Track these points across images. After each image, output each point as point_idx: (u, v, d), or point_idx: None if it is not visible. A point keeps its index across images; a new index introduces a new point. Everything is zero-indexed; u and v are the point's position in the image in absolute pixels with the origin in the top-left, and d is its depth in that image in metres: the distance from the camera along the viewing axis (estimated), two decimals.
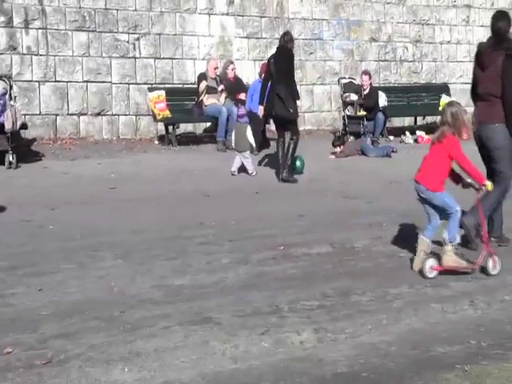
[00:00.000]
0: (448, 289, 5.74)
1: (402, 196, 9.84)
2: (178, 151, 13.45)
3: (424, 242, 6.21)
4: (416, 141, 15.89)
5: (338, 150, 13.61)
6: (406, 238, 7.31)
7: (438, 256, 6.15)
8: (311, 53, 16.78)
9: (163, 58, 14.94)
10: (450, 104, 6.78)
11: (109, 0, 14.25)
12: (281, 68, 11.03)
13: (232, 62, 14.64)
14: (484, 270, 6.09)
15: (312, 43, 16.69)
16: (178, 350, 4.46)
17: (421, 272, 6.03)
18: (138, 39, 14.58)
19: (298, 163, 11.66)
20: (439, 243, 6.31)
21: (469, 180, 6.31)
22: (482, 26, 19.37)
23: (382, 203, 9.31)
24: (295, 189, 10.37)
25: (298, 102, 11.41)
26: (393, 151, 13.86)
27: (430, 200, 6.24)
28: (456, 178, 6.38)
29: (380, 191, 10.24)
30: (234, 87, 14.14)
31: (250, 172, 11.35)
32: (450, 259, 6.08)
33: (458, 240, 6.26)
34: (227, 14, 15.72)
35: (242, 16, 15.91)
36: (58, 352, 4.40)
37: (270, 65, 11.35)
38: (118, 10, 14.33)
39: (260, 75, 13.33)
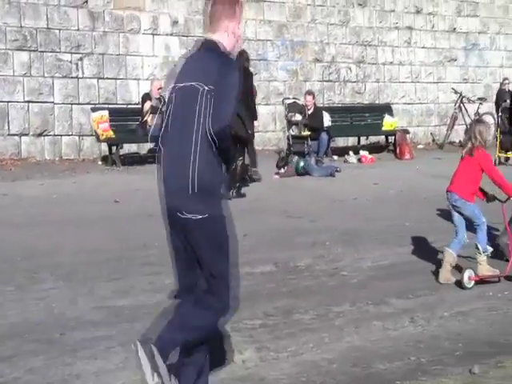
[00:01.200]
0: (389, 306, 5.81)
1: (345, 215, 9.98)
2: (121, 171, 13.35)
3: (449, 255, 6.45)
4: (359, 160, 16.08)
5: (282, 170, 13.70)
6: (348, 256, 7.40)
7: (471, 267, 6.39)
8: (256, 73, 16.82)
9: (107, 78, 14.85)
10: (479, 121, 7.06)
11: (51, 19, 14.12)
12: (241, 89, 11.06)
13: None
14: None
15: (256, 64, 16.76)
16: (119, 371, 4.42)
17: (459, 283, 6.27)
18: (81, 59, 14.46)
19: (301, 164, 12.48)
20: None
21: (493, 193, 6.58)
22: (423, 47, 19.79)
23: (325, 222, 9.37)
24: (240, 208, 10.33)
25: (255, 123, 11.45)
26: (337, 171, 13.99)
27: (461, 209, 6.47)
28: (481, 192, 6.60)
29: (323, 210, 10.31)
30: None
31: None
32: (485, 268, 6.39)
33: (490, 249, 6.54)
34: (171, 35, 15.72)
35: (187, 36, 15.92)
36: None
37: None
38: (60, 29, 14.20)
39: None
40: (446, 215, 9.92)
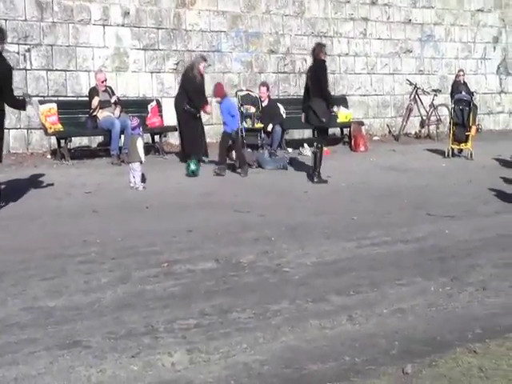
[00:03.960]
0: (328, 303, 5.69)
1: (294, 209, 9.88)
2: (70, 166, 13.08)
3: None
4: None
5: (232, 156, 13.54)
6: (293, 252, 7.28)
7: None
8: (209, 65, 16.63)
9: (56, 70, 14.53)
10: None
11: None
12: (314, 80, 12.16)
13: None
14: None
15: (210, 55, 16.56)
16: (41, 377, 4.23)
17: None
18: (28, 50, 14.12)
19: (192, 166, 12.19)
20: None
21: None
22: (378, 38, 19.75)
23: (273, 216, 9.25)
24: (187, 203, 10.20)
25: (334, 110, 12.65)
26: (289, 163, 13.88)
27: None
28: None
29: (272, 204, 10.20)
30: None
31: (136, 186, 11.10)
32: None
33: None
34: (123, 25, 15.44)
35: (139, 27, 15.66)
36: None
37: (307, 77, 12.59)
38: (6, 19, 13.83)
39: (215, 95, 13.38)
40: (395, 208, 9.91)
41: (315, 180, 12.27)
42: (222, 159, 12.74)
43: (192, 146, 13.45)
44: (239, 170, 12.84)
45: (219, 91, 13.03)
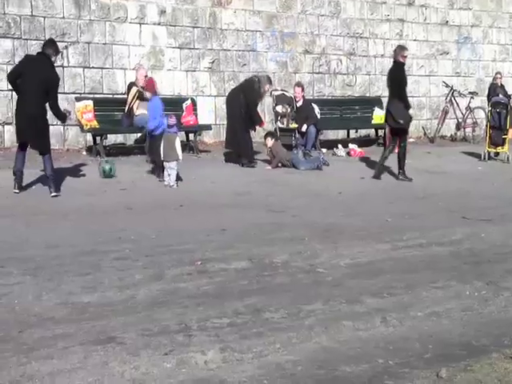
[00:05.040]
0: (362, 305, 5.65)
1: (328, 210, 9.84)
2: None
3: None
4: (348, 154, 15.92)
5: (268, 142, 13.52)
6: (326, 253, 7.25)
7: None
8: (244, 64, 16.69)
9: (92, 68, 14.66)
10: None
11: (35, 7, 13.91)
12: (392, 82, 12.55)
13: None
14: None
15: (245, 54, 16.60)
16: (75, 372, 4.25)
17: None
18: (66, 47, 14.25)
19: (106, 167, 11.88)
20: None
21: None
22: (415, 40, 19.61)
23: (306, 217, 9.22)
24: (220, 202, 10.22)
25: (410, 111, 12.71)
26: (324, 164, 13.82)
27: None
28: None
29: (306, 205, 10.17)
30: None
31: (171, 184, 11.14)
32: None
33: None
34: (159, 24, 15.52)
35: (174, 26, 15.73)
36: None
37: (386, 79, 13.07)
38: (45, 17, 13.99)
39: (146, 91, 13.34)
40: (430, 210, 9.83)
41: (400, 177, 12.60)
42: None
43: (244, 149, 13.51)
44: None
45: (150, 87, 12.67)
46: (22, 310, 5.33)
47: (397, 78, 12.43)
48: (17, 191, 10.29)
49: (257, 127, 14.08)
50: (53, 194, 10.24)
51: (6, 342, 4.66)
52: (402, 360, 4.52)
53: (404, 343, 4.82)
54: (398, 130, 12.72)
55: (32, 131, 10.25)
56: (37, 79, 10.10)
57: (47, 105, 10.42)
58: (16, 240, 7.62)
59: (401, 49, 12.76)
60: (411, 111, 13.00)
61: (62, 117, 10.79)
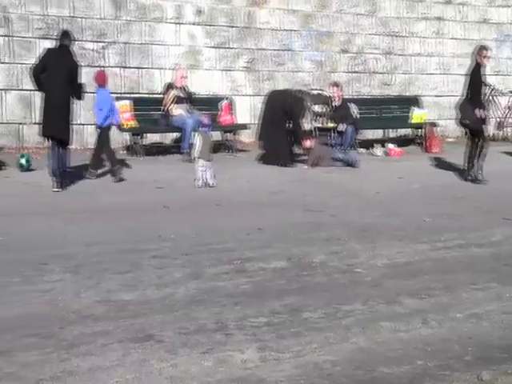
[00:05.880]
0: (401, 306, 5.61)
1: (366, 210, 9.79)
2: (143, 161, 13.27)
3: None
4: (386, 153, 15.84)
5: (307, 144, 13.53)
6: (364, 253, 7.22)
7: None
8: (281, 63, 16.68)
9: (130, 67, 14.78)
10: None
11: (75, 8, 14.07)
12: (468, 82, 12.46)
13: None
14: None
15: (281, 54, 16.60)
16: (114, 369, 4.29)
17: None
18: (104, 48, 14.39)
19: (23, 162, 12.02)
20: None
21: None
22: (452, 38, 19.43)
23: (344, 217, 9.19)
24: (257, 201, 10.23)
25: (480, 112, 12.29)
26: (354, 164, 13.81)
27: None
28: None
29: (344, 204, 10.13)
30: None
31: (209, 183, 11.18)
32: None
33: None
34: (196, 24, 15.59)
35: (211, 25, 15.79)
36: None
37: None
38: (83, 18, 14.16)
39: (95, 81, 12.71)
40: (469, 211, 9.73)
41: (471, 178, 12.38)
42: (94, 162, 11.93)
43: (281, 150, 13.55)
44: (91, 172, 11.79)
45: (100, 78, 12.15)
46: (63, 307, 5.40)
47: (472, 78, 12.32)
48: (57, 190, 10.45)
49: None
50: (56, 189, 10.53)
51: (48, 338, 4.72)
52: (441, 362, 4.47)
53: (443, 345, 4.78)
54: (474, 131, 12.53)
55: (58, 123, 10.58)
56: (62, 70, 10.52)
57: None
58: (57, 238, 7.72)
59: (479, 48, 12.54)
60: (480, 112, 12.43)
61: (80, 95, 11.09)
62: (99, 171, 11.80)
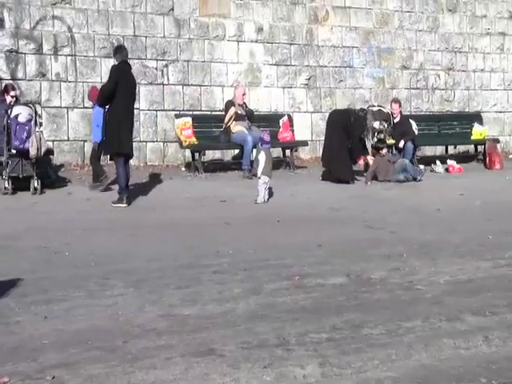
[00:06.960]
0: (463, 323, 5.54)
1: (426, 226, 9.70)
2: (203, 178, 13.42)
3: None
4: (447, 170, 15.68)
5: (361, 162, 13.54)
6: (425, 269, 7.16)
7: None
8: (341, 80, 16.71)
9: (191, 85, 14.99)
10: None
11: (137, 27, 14.36)
12: None
13: None
14: None
15: (342, 71, 16.62)
16: (177, 382, 4.34)
17: None
18: (166, 66, 14.64)
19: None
20: None
21: None
22: None
23: (404, 233, 9.12)
24: (316, 218, 10.23)
25: None
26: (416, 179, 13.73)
27: None
28: None
29: (404, 221, 10.06)
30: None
31: (266, 199, 11.23)
32: None
33: None
34: (256, 41, 15.74)
35: (271, 43, 15.91)
36: (55, 383, 4.31)
37: None
38: (146, 36, 14.43)
39: (89, 99, 12.99)
40: None
41: None
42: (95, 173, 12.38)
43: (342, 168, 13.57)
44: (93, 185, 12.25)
45: (93, 95, 12.20)
46: (126, 321, 5.49)
47: None
48: (125, 205, 10.62)
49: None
50: (124, 205, 10.79)
51: (112, 352, 4.81)
52: (506, 380, 4.41)
53: (508, 363, 4.70)
54: None
55: (131, 140, 11.17)
56: (131, 86, 11.04)
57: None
58: (119, 253, 7.86)
59: None
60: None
61: None
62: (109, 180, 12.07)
